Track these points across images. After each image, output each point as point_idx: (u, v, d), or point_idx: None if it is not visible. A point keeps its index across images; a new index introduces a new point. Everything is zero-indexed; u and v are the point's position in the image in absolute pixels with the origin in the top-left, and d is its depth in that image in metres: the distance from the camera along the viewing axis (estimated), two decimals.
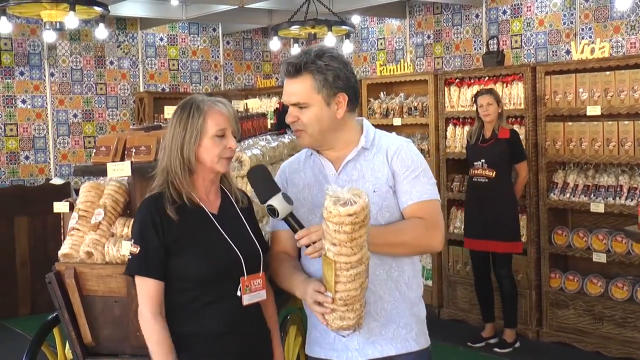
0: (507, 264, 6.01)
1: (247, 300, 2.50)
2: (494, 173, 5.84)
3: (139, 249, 2.44)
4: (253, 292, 2.52)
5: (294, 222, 2.39)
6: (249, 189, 3.34)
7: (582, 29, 7.29)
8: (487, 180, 5.89)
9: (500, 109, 5.92)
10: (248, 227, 2.59)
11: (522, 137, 6.24)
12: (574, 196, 5.95)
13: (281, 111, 5.12)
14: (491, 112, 5.88)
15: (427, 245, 2.58)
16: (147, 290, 2.44)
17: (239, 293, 2.49)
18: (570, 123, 5.98)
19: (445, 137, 6.87)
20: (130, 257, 2.48)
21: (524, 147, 6.12)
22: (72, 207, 3.66)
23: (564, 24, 7.46)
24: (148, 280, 2.44)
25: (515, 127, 6.33)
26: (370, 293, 2.48)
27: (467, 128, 6.68)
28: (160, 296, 2.46)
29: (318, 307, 2.30)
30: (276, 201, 2.37)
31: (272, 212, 2.38)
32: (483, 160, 5.90)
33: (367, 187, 2.50)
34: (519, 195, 6.03)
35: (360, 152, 2.57)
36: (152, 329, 2.44)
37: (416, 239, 2.51)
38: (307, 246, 2.34)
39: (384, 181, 2.53)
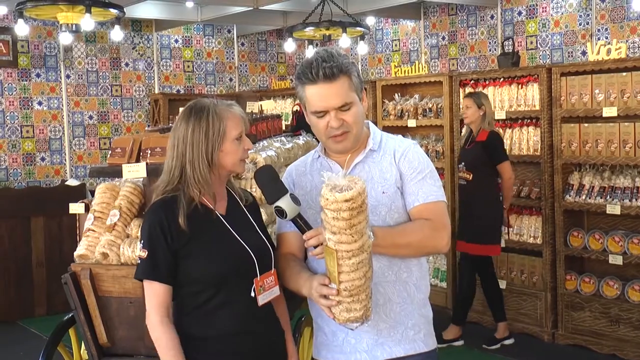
0: (470, 264, 6.07)
1: (262, 300, 2.51)
2: (471, 175, 5.93)
3: (147, 253, 2.45)
4: (267, 290, 2.53)
5: (302, 223, 2.39)
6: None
7: (598, 30, 7.25)
8: (466, 182, 6.01)
9: (483, 112, 5.94)
10: (255, 224, 2.61)
11: (537, 138, 6.22)
12: (589, 198, 5.92)
13: (302, 113, 5.13)
14: (469, 115, 5.98)
15: (433, 247, 2.57)
16: (155, 294, 2.45)
17: (252, 294, 2.49)
18: (586, 124, 5.95)
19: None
20: (139, 261, 2.49)
21: (542, 147, 6.08)
22: (87, 208, 3.68)
23: (580, 24, 7.42)
24: (155, 284, 2.45)
25: (531, 129, 6.31)
26: (379, 295, 2.49)
27: None
28: (168, 300, 2.47)
29: (324, 300, 2.30)
30: (284, 202, 2.37)
31: (280, 213, 2.39)
32: (463, 163, 6.00)
33: (377, 189, 2.52)
34: (508, 197, 6.00)
35: (368, 154, 2.58)
36: (160, 334, 2.44)
37: (422, 240, 2.51)
38: (315, 247, 2.34)
39: (392, 182, 2.54)
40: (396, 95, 7.66)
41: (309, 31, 7.52)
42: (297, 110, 5.15)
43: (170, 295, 2.47)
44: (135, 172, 3.34)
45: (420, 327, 2.59)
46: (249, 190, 2.89)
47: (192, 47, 9.99)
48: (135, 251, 3.30)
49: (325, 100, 2.47)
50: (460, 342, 6.10)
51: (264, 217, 2.86)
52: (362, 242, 2.22)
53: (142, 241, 2.49)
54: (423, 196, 2.52)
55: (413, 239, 2.49)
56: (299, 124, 4.93)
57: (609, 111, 5.71)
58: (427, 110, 7.20)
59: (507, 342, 6.11)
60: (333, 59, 2.47)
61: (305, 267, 2.55)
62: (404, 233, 2.49)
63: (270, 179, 2.45)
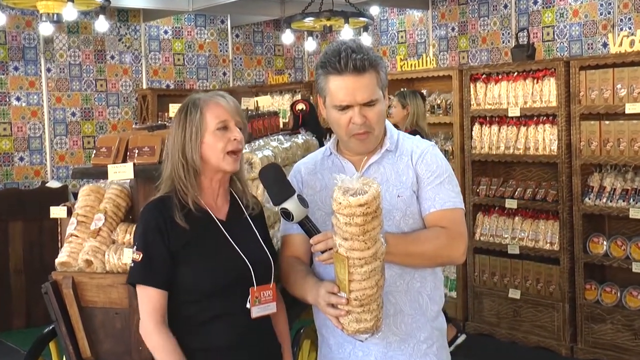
0: None
1: (256, 312, 2.51)
2: None
3: (141, 255, 2.44)
4: (263, 304, 2.52)
5: (309, 226, 2.39)
6: (259, 192, 3.35)
7: (621, 20, 7.25)
8: None
9: (406, 112, 6.27)
10: (258, 235, 2.60)
11: (554, 137, 6.21)
12: (611, 201, 5.91)
13: (309, 112, 5.13)
14: (393, 115, 6.34)
15: (448, 257, 2.57)
16: (150, 300, 2.44)
17: (247, 305, 2.49)
18: (607, 122, 5.94)
19: (471, 138, 6.85)
20: (132, 264, 2.48)
21: (559, 147, 6.09)
22: (70, 212, 3.67)
23: (601, 14, 7.42)
24: (151, 289, 2.44)
25: (547, 127, 6.30)
26: (390, 305, 2.50)
27: (494, 127, 6.66)
28: (164, 306, 2.46)
29: (332, 309, 2.30)
30: (291, 204, 2.37)
31: (286, 215, 2.38)
32: None
33: (391, 192, 2.52)
34: None
35: (384, 155, 2.58)
36: (156, 342, 2.44)
37: (437, 249, 2.51)
38: (323, 252, 2.34)
39: (409, 185, 2.54)
40: (402, 90, 7.65)
41: (309, 22, 7.52)
42: (302, 108, 5.15)
43: (166, 301, 2.47)
44: (121, 173, 3.33)
45: (433, 340, 2.59)
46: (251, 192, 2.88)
47: (182, 38, 9.99)
48: (121, 258, 3.30)
49: (352, 94, 2.46)
50: (462, 337, 6.17)
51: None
52: (375, 249, 2.22)
53: (136, 243, 2.48)
54: (440, 202, 2.52)
55: (427, 247, 2.49)
56: (305, 122, 4.93)
57: (632, 107, 5.71)
58: (436, 106, 7.21)
59: (460, 339, 6.14)
60: (363, 51, 2.46)
61: (312, 273, 2.55)
62: (417, 241, 2.49)
63: (276, 180, 2.43)
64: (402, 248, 2.44)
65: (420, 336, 2.55)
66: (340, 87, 2.46)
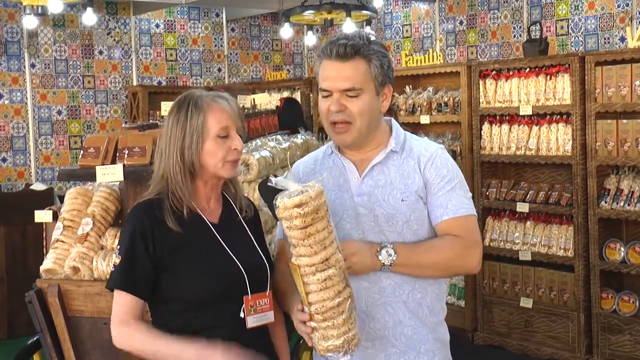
0: None
1: (251, 322, 2.50)
2: None
3: (120, 259, 2.45)
4: (259, 313, 2.52)
5: None
6: (256, 196, 3.35)
7: (639, 12, 7.25)
8: None
9: None
10: (253, 240, 2.59)
11: (568, 137, 6.22)
12: (628, 204, 5.91)
13: (282, 109, 5.11)
14: None
15: (462, 267, 2.60)
16: (122, 303, 2.45)
17: (242, 314, 2.49)
18: (624, 121, 5.94)
19: (480, 137, 6.86)
20: (113, 268, 2.49)
21: (574, 147, 6.10)
22: (55, 216, 3.68)
23: (618, 6, 7.42)
24: (127, 295, 2.45)
25: (561, 126, 6.30)
26: (388, 316, 2.52)
27: (505, 127, 6.66)
28: (137, 312, 2.46)
29: (303, 326, 2.31)
30: None
31: None
32: None
33: (395, 195, 2.53)
34: None
35: (388, 155, 2.59)
36: (133, 334, 2.43)
37: (451, 260, 2.53)
38: None
39: (414, 190, 2.54)
40: (407, 87, 7.66)
41: (308, 15, 7.52)
42: (277, 106, 5.14)
43: (142, 308, 2.47)
44: (110, 175, 3.33)
45: (435, 352, 2.60)
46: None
47: (175, 32, 9.99)
48: (110, 265, 3.30)
49: (332, 79, 2.50)
50: None
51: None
52: (325, 255, 2.21)
53: (119, 246, 2.49)
54: (453, 209, 2.54)
55: (441, 258, 2.51)
56: (283, 123, 4.91)
57: None
58: (443, 104, 7.21)
59: None
60: (354, 39, 2.50)
61: None
62: (430, 251, 2.50)
63: (276, 193, 2.42)
64: (414, 259, 2.47)
65: (420, 348, 2.56)
66: (323, 71, 2.52)
